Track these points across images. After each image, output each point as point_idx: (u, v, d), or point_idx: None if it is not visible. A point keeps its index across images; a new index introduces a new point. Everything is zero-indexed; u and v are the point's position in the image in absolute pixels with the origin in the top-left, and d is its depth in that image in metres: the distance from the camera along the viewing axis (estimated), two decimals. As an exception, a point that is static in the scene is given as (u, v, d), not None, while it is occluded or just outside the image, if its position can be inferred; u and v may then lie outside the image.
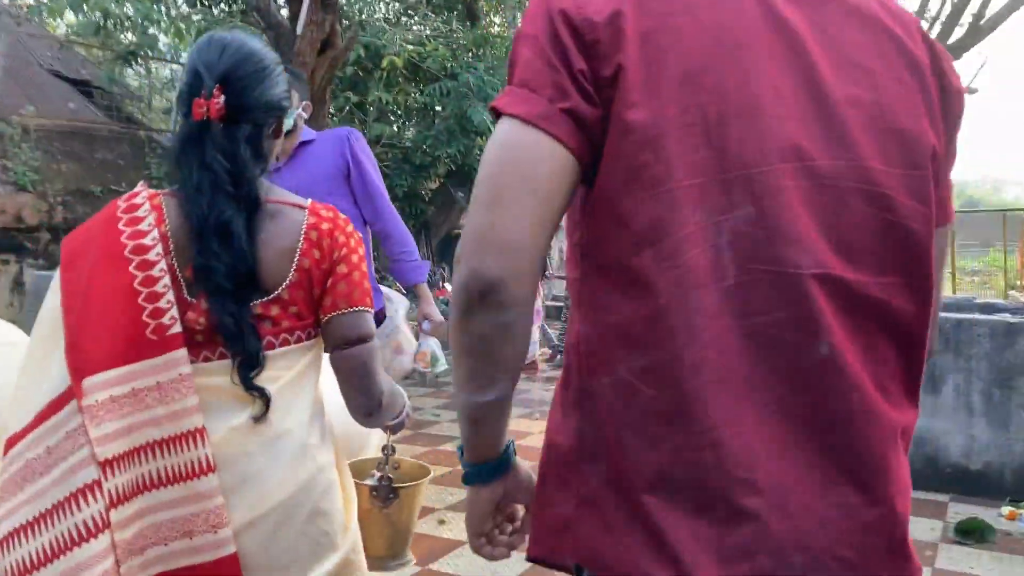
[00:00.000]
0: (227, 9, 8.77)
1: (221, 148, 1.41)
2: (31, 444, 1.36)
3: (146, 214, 1.43)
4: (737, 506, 0.88)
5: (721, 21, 0.92)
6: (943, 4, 14.57)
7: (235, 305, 1.39)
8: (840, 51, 0.95)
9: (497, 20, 11.00)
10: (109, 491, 1.33)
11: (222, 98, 1.41)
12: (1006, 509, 4.04)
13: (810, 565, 0.89)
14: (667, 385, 0.90)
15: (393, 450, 1.88)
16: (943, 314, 4.06)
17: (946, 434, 4.45)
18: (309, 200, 1.53)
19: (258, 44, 1.53)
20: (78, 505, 1.32)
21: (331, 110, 7.71)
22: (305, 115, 3.16)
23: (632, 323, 0.91)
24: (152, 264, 1.38)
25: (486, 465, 1.06)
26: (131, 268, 1.38)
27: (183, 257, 1.43)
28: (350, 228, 1.54)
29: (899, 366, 0.96)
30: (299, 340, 1.48)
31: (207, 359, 1.42)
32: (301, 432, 1.46)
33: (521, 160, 0.90)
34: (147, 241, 1.40)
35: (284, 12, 7.33)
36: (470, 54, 8.74)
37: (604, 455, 0.95)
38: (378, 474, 1.85)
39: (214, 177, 1.39)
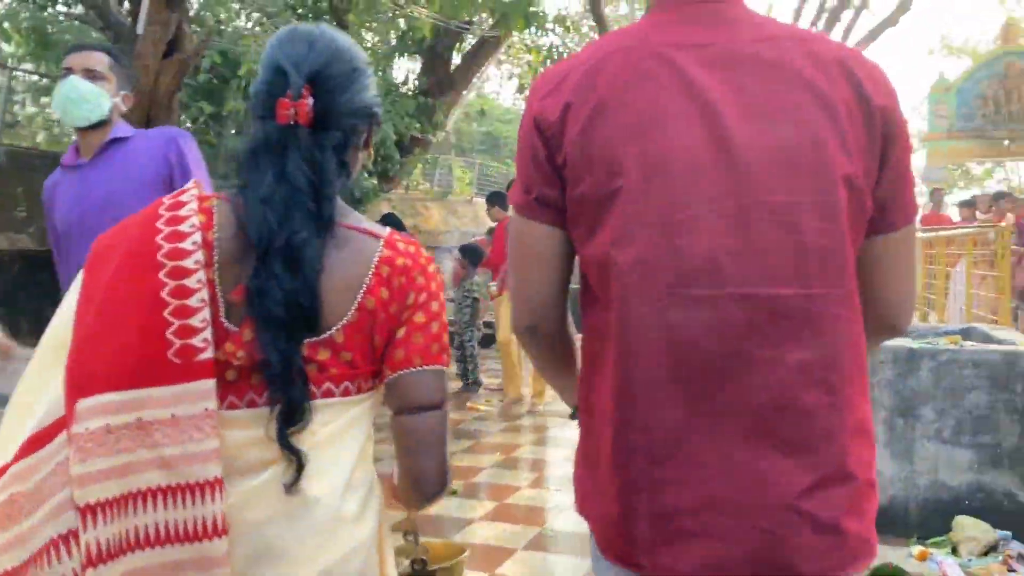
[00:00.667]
0: (65, 9, 7.90)
1: (307, 157, 1.23)
2: (18, 476, 1.15)
3: (191, 214, 1.22)
4: (663, 478, 1.13)
5: (645, 99, 1.15)
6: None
7: (287, 342, 1.18)
8: (752, 104, 1.13)
9: (368, 36, 10.46)
10: (87, 544, 1.10)
11: (311, 100, 1.24)
12: (916, 548, 3.79)
13: (726, 527, 1.11)
14: (612, 382, 1.17)
15: (416, 532, 1.61)
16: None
17: (848, 467, 4.20)
18: (388, 229, 1.32)
19: (347, 40, 1.34)
20: (49, 559, 1.12)
21: (183, 119, 6.98)
22: (124, 107, 2.58)
23: (595, 331, 1.22)
24: (188, 273, 1.17)
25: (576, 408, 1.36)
26: (161, 274, 1.16)
27: (228, 275, 1.21)
28: (432, 268, 1.32)
29: (839, 364, 1.13)
30: (346, 392, 1.24)
31: (232, 406, 1.19)
32: (334, 499, 1.21)
33: (520, 240, 1.28)
34: (186, 245, 1.18)
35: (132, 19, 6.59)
36: (339, 65, 8.20)
37: (586, 433, 1.28)
38: (407, 561, 1.61)
39: (292, 190, 1.21)
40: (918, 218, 2.38)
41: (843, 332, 1.14)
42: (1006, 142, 17.07)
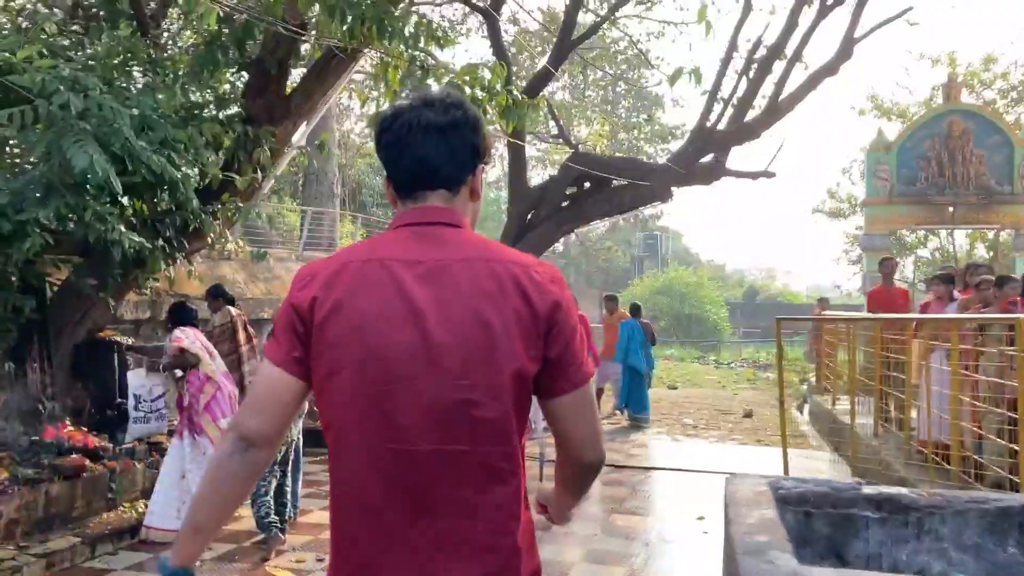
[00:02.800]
0: None
1: None
2: None
3: None
4: None
5: (370, 302, 1.58)
6: (737, 83, 13.45)
7: None
8: (449, 316, 1.56)
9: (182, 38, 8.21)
10: None
11: None
12: None
13: None
14: (334, 516, 1.66)
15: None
16: None
17: None
18: None
19: None
20: None
21: None
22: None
23: (333, 458, 1.65)
24: None
25: (173, 571, 1.65)
26: None
27: None
28: None
29: (496, 498, 1.59)
30: None
31: None
32: None
33: (270, 384, 1.65)
34: None
35: None
36: (113, 69, 5.88)
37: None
38: None
39: None
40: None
41: (504, 477, 1.60)
42: (950, 208, 15.70)
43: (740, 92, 13.11)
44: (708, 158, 13.17)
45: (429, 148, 1.65)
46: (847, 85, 26.52)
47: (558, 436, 1.67)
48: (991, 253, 23.75)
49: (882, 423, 8.98)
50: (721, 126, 13.07)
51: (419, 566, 1.54)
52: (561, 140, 13.33)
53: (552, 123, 12.52)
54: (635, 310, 13.64)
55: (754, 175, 13.84)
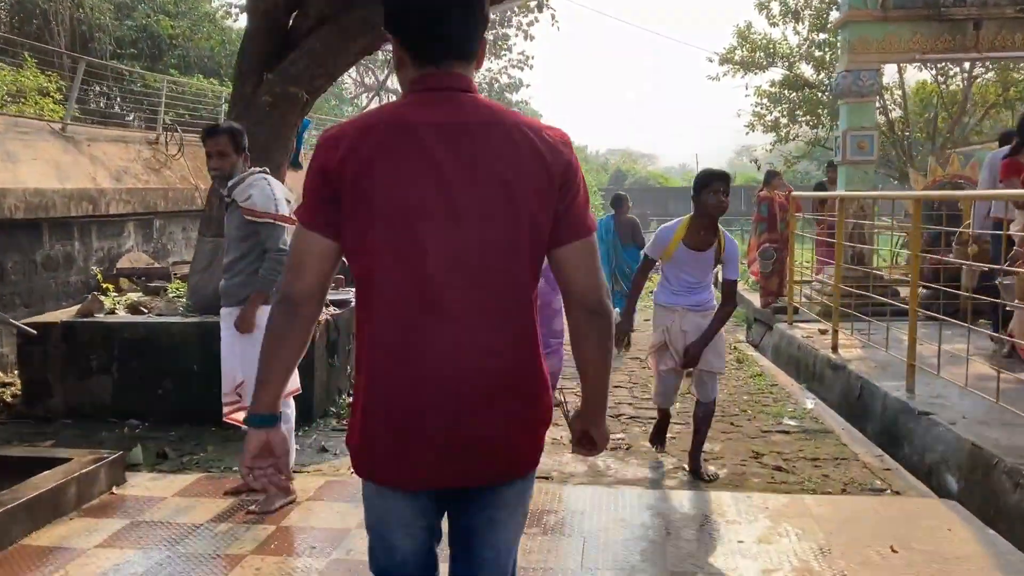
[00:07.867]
0: None
1: None
2: None
3: None
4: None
5: (397, 164, 1.69)
6: None
7: None
8: (471, 176, 1.70)
9: None
10: None
11: None
12: None
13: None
14: (372, 347, 1.82)
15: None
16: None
17: None
18: None
19: None
20: None
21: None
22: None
23: (363, 308, 1.82)
24: None
25: (258, 416, 1.84)
26: None
27: None
28: None
29: (517, 330, 1.80)
30: None
31: None
32: None
33: (302, 244, 1.80)
34: None
35: None
36: None
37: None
38: None
39: None
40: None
41: (519, 322, 1.79)
42: (973, 27, 10.40)
43: None
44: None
45: (453, 24, 1.76)
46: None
47: (564, 284, 1.85)
48: (927, 130, 18.76)
49: None
50: None
51: (453, 404, 1.75)
52: None
53: None
54: (617, 201, 10.48)
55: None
